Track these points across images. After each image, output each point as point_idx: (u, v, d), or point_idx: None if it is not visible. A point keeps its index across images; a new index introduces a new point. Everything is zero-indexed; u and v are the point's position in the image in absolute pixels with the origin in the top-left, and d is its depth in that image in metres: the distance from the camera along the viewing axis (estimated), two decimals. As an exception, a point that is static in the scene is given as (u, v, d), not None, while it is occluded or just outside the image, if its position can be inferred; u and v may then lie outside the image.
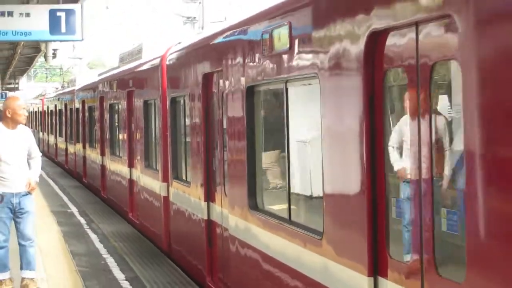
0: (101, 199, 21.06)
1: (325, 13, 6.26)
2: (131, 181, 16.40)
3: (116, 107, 18.69)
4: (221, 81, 9.29)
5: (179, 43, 12.50)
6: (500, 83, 4.01)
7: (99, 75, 23.24)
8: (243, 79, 8.26)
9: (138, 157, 15.42)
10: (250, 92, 8.18)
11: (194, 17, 32.27)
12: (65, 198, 21.78)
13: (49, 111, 38.93)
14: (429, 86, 4.77)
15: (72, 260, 12.22)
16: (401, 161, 5.24)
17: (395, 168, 5.30)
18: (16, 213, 9.44)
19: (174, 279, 11.08)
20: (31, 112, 49.62)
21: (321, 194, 6.28)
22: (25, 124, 9.87)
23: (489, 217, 4.11)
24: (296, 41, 6.74)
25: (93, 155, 22.88)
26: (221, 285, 9.74)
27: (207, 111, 10.14)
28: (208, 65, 9.89)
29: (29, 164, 9.66)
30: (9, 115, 9.41)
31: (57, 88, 44.44)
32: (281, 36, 7.04)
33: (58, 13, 13.77)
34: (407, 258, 5.11)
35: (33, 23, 13.70)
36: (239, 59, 8.41)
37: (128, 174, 16.59)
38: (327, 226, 6.15)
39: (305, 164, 7.38)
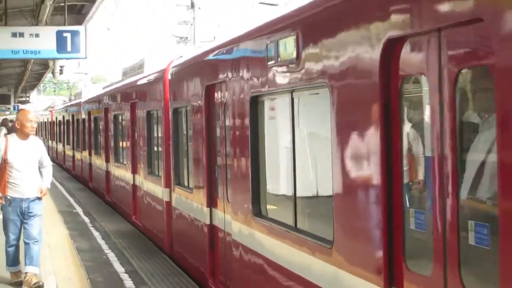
0: (106, 202, 20.44)
1: (334, 23, 5.55)
2: (134, 186, 15.75)
3: (120, 118, 18.06)
4: (224, 91, 8.59)
5: (181, 57, 11.87)
6: None
7: (104, 88, 22.71)
8: (247, 89, 7.55)
9: (141, 164, 14.79)
10: (254, 102, 7.46)
11: (186, 37, 33.05)
12: (71, 200, 21.67)
13: (58, 122, 38.46)
14: (454, 93, 4.07)
15: (77, 255, 12.21)
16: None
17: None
18: (25, 216, 9.34)
19: (168, 271, 10.99)
20: (41, 122, 49.34)
21: (331, 203, 5.56)
22: (35, 134, 9.70)
23: None
24: (304, 51, 6.03)
25: (98, 161, 22.26)
26: (223, 287, 9.04)
27: (209, 120, 9.45)
28: (211, 76, 9.16)
29: (41, 172, 9.55)
30: (18, 127, 9.43)
31: (64, 101, 44.26)
32: (288, 46, 6.33)
33: (64, 34, 13.91)
34: (428, 271, 4.40)
35: (42, 43, 13.83)
36: (243, 70, 7.70)
37: (131, 179, 15.94)
38: (337, 234, 5.44)
39: (311, 173, 6.66)
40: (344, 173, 5.31)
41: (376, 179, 4.80)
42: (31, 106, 45.59)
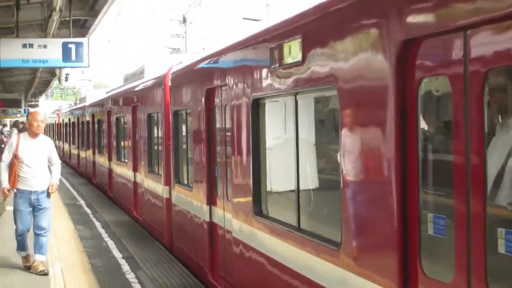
0: (108, 197, 19.76)
1: (339, 25, 4.91)
2: (135, 183, 15.07)
3: (122, 120, 17.38)
4: (225, 94, 7.93)
5: (180, 62, 11.22)
6: None
7: (107, 93, 22.10)
8: (248, 92, 6.89)
9: (142, 163, 14.14)
10: (256, 104, 6.80)
11: (179, 49, 33.14)
12: (75, 193, 21.55)
13: (64, 123, 37.82)
14: (482, 95, 3.44)
15: (80, 242, 12.16)
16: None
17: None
18: (35, 208, 9.30)
19: (161, 257, 10.98)
20: (49, 124, 48.56)
21: (338, 205, 4.91)
22: (44, 134, 9.67)
23: None
24: (309, 53, 5.38)
25: (101, 160, 21.61)
26: (222, 282, 8.38)
27: (209, 122, 8.79)
28: (211, 80, 8.50)
29: (50, 170, 9.49)
30: (28, 126, 9.53)
31: (70, 105, 43.81)
32: (292, 49, 5.67)
33: (69, 45, 13.98)
34: (449, 278, 3.76)
35: (49, 53, 13.89)
36: (245, 74, 7.04)
37: (132, 177, 15.27)
38: (345, 237, 4.80)
39: (316, 176, 6.01)
40: (356, 174, 4.65)
41: (392, 184, 4.15)
42: (40, 109, 44.99)
